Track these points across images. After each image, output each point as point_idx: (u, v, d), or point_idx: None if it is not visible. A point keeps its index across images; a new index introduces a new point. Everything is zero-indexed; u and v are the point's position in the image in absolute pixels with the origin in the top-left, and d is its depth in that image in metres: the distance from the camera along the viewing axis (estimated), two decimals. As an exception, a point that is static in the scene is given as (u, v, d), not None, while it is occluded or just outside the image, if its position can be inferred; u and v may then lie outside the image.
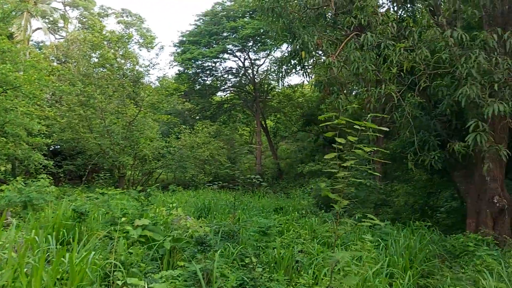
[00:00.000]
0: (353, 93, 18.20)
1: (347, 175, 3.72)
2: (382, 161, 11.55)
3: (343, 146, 4.02)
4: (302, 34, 10.99)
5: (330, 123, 3.94)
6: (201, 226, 7.89)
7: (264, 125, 34.87)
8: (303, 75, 14.21)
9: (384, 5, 12.82)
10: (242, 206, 13.04)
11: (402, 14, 12.30)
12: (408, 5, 12.23)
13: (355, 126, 3.67)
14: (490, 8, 10.28)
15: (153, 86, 30.07)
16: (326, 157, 3.81)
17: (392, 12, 12.42)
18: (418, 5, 12.79)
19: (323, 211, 14.03)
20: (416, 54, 9.40)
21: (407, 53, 9.81)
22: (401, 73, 10.23)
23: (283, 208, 14.12)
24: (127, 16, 39.51)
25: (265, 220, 8.93)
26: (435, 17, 10.27)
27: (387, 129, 4.83)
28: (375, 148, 4.89)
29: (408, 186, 14.72)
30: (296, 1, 11.94)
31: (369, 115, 4.62)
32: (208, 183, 24.32)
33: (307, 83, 23.92)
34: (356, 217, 9.21)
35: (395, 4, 12.21)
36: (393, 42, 10.40)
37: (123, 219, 7.32)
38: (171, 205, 9.55)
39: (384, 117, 8.93)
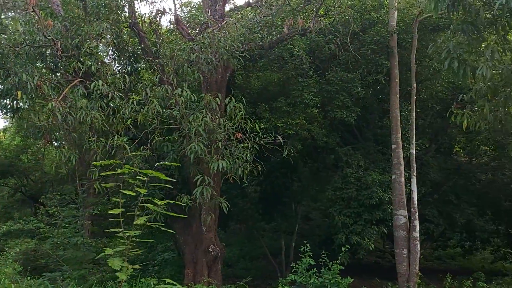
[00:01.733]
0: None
1: (135, 234, 3.21)
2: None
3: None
4: (20, 72, 9.58)
5: (112, 172, 3.37)
6: None
7: None
8: (15, 119, 12.29)
9: (110, 57, 12.66)
10: None
11: (129, 68, 12.43)
12: (134, 62, 12.50)
13: (139, 177, 3.25)
14: (208, 75, 11.59)
15: None
16: (111, 211, 3.20)
17: (118, 65, 12.44)
18: (142, 64, 13.29)
19: (28, 278, 11.97)
20: (149, 108, 9.52)
21: (139, 106, 9.85)
22: (130, 126, 10.16)
23: (-24, 281, 11.28)
24: None
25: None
26: (165, 75, 10.80)
27: (174, 180, 4.53)
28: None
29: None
30: (12, 33, 10.38)
31: (157, 164, 4.23)
32: None
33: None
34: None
35: (122, 58, 12.24)
36: (121, 94, 10.31)
37: None
38: None
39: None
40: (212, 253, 11.93)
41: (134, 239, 3.25)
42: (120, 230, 3.24)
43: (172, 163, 3.51)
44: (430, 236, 17.53)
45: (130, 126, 10.03)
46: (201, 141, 9.44)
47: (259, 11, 12.04)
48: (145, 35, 12.66)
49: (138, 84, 10.91)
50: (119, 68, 12.72)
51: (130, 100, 9.74)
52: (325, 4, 12.45)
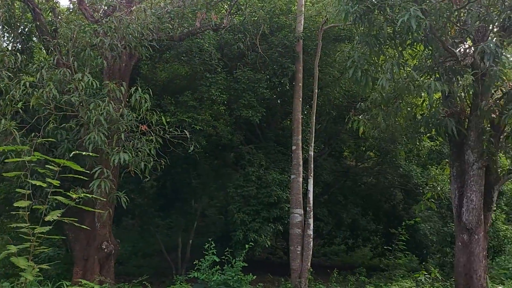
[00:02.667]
0: None
1: (44, 230, 2.86)
2: None
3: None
4: None
5: (19, 159, 2.96)
6: None
7: None
8: None
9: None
10: None
11: (19, 46, 11.26)
12: (27, 41, 11.36)
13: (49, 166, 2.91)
14: (111, 61, 10.95)
15: None
16: (16, 204, 2.80)
17: (8, 42, 11.19)
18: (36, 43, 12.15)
19: None
20: (44, 91, 8.70)
21: (32, 89, 8.96)
22: (20, 110, 9.22)
23: None
24: None
25: None
26: (63, 57, 9.96)
27: (88, 171, 4.10)
28: None
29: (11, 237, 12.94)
30: None
31: (72, 152, 3.78)
32: None
33: None
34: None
35: (13, 34, 11.05)
36: (10, 74, 9.35)
37: None
38: None
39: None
40: (106, 250, 11.30)
41: (41, 235, 2.89)
42: (26, 225, 2.85)
43: (90, 153, 3.18)
44: (320, 233, 18.60)
45: (20, 110, 9.11)
46: (101, 131, 8.86)
47: (169, 1, 11.64)
48: (41, 12, 11.56)
49: (31, 64, 9.94)
50: (9, 45, 11.46)
51: (22, 82, 8.81)
52: (237, 3, 12.49)
